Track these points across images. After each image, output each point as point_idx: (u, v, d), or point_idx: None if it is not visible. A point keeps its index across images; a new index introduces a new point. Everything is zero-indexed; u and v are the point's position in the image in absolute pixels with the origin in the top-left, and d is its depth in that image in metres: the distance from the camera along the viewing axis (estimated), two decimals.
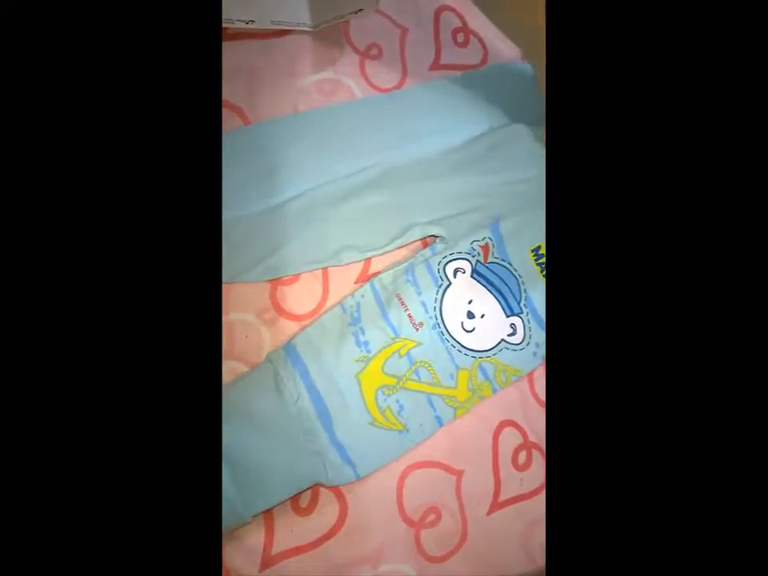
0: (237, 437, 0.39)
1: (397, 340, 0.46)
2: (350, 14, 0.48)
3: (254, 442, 0.39)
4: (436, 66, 0.52)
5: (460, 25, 0.55)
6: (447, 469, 0.45)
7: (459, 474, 0.46)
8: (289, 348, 0.42)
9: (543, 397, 0.50)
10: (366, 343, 0.45)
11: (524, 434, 0.49)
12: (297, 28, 0.47)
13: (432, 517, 0.44)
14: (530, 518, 0.48)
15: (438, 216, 0.48)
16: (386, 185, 0.48)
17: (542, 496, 0.48)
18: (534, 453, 0.49)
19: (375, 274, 0.46)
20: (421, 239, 0.49)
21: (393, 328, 0.46)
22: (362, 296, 0.46)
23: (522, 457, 0.48)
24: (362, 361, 0.44)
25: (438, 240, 0.48)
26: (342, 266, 0.46)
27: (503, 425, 0.48)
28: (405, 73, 0.51)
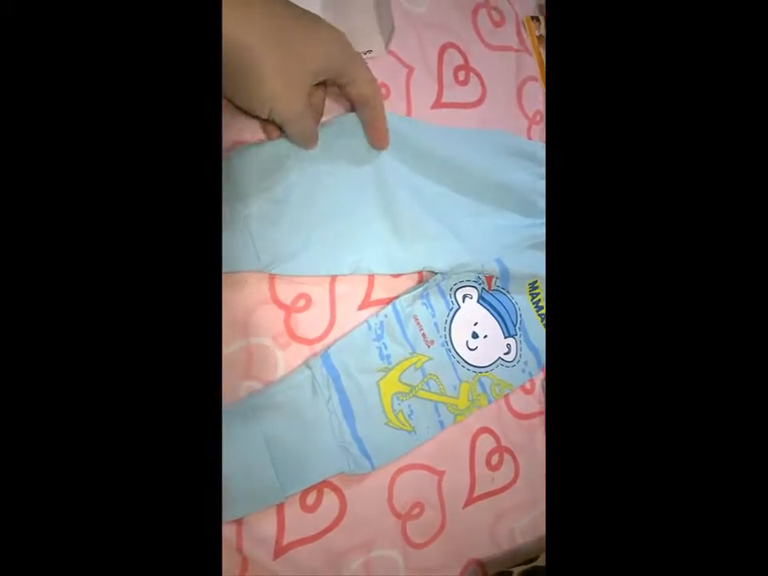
0: (276, 429, 0.46)
1: (414, 355, 0.52)
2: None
3: (291, 435, 0.46)
4: (438, 104, 0.56)
5: (462, 62, 0.58)
6: (431, 470, 0.53)
7: (441, 473, 0.53)
8: (325, 357, 0.48)
9: (517, 408, 0.58)
10: (389, 356, 0.51)
11: (497, 439, 0.57)
12: None
13: (417, 510, 0.52)
14: (498, 510, 0.56)
15: (449, 254, 0.53)
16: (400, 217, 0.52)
17: (510, 492, 0.57)
18: (506, 455, 0.57)
19: (376, 302, 0.52)
20: (418, 272, 0.54)
21: (410, 344, 0.52)
22: (385, 315, 0.51)
23: (495, 459, 0.56)
24: (383, 371, 0.51)
25: (437, 275, 0.54)
26: (348, 287, 0.51)
27: (480, 431, 0.56)
28: (409, 112, 0.54)
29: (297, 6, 0.41)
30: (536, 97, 0.62)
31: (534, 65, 0.62)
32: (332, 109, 0.51)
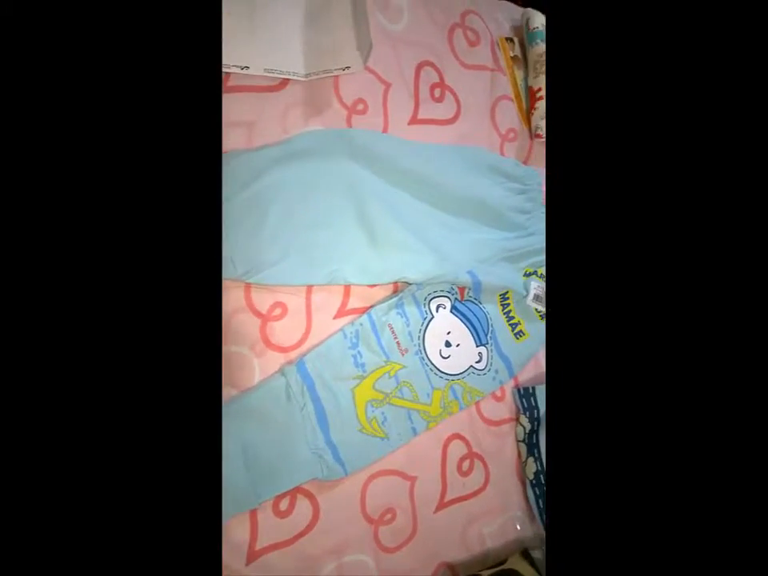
0: (251, 435, 0.46)
1: (388, 363, 0.54)
2: (337, 69, 0.52)
3: (266, 441, 0.47)
4: (414, 120, 0.58)
5: (438, 80, 0.60)
6: (403, 476, 0.54)
7: (413, 479, 0.54)
8: (300, 364, 0.49)
9: (488, 415, 0.60)
10: (363, 364, 0.52)
11: (468, 446, 0.58)
12: (288, 77, 0.51)
13: (389, 516, 0.53)
14: (469, 515, 0.57)
15: (423, 265, 0.55)
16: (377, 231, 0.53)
17: (480, 497, 0.58)
18: (476, 461, 0.58)
19: (352, 311, 0.53)
20: (393, 282, 0.56)
21: (385, 352, 0.54)
22: (361, 324, 0.53)
23: (466, 465, 0.58)
24: (357, 378, 0.52)
25: (412, 285, 0.55)
26: (324, 297, 0.52)
27: (452, 437, 0.57)
28: (386, 127, 0.56)
29: None
30: (509, 115, 0.64)
31: (507, 84, 0.65)
32: (309, 122, 0.52)
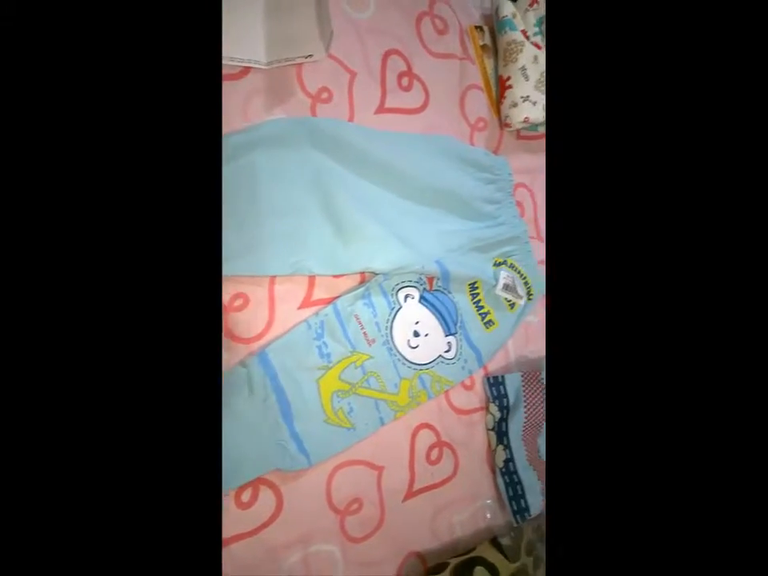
0: None
1: (354, 353, 0.53)
2: (299, 57, 0.52)
3: (227, 433, 0.46)
4: (381, 109, 0.58)
5: (405, 69, 0.60)
6: (370, 465, 0.54)
7: (380, 469, 0.54)
8: (262, 356, 0.49)
9: (457, 404, 0.60)
10: (329, 355, 0.52)
11: (438, 435, 0.58)
12: (249, 65, 0.51)
13: (355, 506, 0.53)
14: (438, 503, 0.58)
15: (389, 255, 0.54)
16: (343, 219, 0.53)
17: (450, 485, 0.58)
18: (445, 450, 0.59)
19: (317, 302, 0.53)
20: (360, 273, 0.55)
21: (351, 343, 0.53)
22: (326, 315, 0.52)
23: (435, 453, 0.58)
24: (322, 369, 0.52)
25: (378, 275, 0.55)
26: (288, 287, 0.52)
27: (420, 427, 0.57)
28: (352, 116, 0.55)
29: None
30: (478, 104, 0.64)
31: (476, 73, 0.64)
32: (272, 111, 0.51)
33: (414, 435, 0.57)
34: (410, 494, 0.56)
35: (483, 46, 0.65)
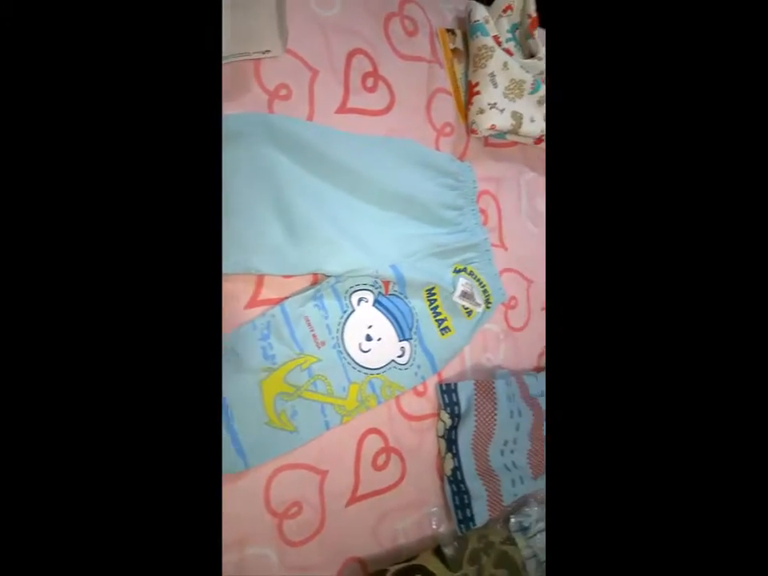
0: None
1: (301, 355, 0.53)
2: (255, 53, 0.51)
3: None
4: (343, 109, 0.57)
5: (371, 69, 0.59)
6: (313, 469, 0.53)
7: (324, 473, 0.54)
8: None
9: (408, 410, 0.59)
10: (273, 356, 0.51)
11: (385, 440, 0.58)
12: None
13: (295, 509, 0.52)
14: (383, 509, 0.57)
15: (342, 257, 0.53)
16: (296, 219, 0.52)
17: (395, 492, 0.58)
18: (393, 456, 0.58)
19: (265, 302, 0.52)
20: (312, 274, 0.55)
21: (298, 345, 0.53)
22: (273, 315, 0.52)
23: (382, 459, 0.57)
24: (266, 371, 0.51)
25: (330, 277, 0.54)
26: (235, 286, 0.51)
27: (368, 432, 0.57)
28: (311, 115, 0.55)
29: None
30: (446, 108, 0.63)
31: (445, 77, 0.64)
32: (227, 107, 0.50)
33: (361, 440, 0.56)
34: (354, 498, 0.56)
35: (454, 50, 0.65)
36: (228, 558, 0.49)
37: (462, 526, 0.59)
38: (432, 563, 0.56)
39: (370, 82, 0.59)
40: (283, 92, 0.53)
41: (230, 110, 0.51)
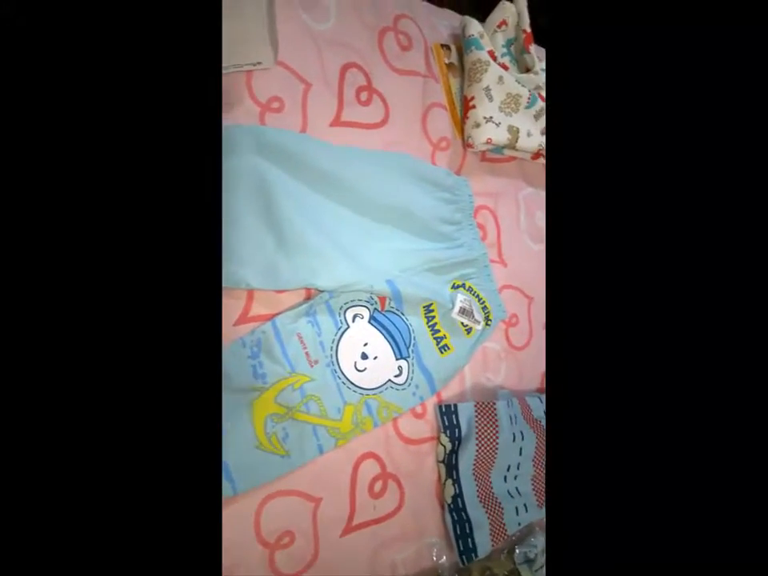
0: None
1: (293, 375, 0.50)
2: (247, 65, 0.50)
3: None
4: (337, 122, 0.56)
5: (365, 83, 0.58)
6: (306, 497, 0.50)
7: (317, 501, 0.51)
8: None
9: (406, 433, 0.57)
10: (264, 375, 0.49)
11: (382, 466, 0.55)
12: None
13: (286, 539, 0.49)
14: (380, 539, 0.54)
15: (335, 272, 0.52)
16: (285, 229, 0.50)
17: (394, 520, 0.55)
18: (390, 482, 0.55)
19: (255, 318, 0.50)
20: (305, 289, 0.53)
21: (290, 363, 0.50)
22: (263, 332, 0.49)
23: (378, 486, 0.54)
24: (256, 390, 0.49)
25: (323, 292, 0.52)
26: (223, 301, 0.49)
27: (364, 456, 0.54)
28: (304, 128, 0.54)
29: None
30: (441, 123, 0.63)
31: (440, 91, 0.63)
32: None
33: (356, 465, 0.53)
34: (349, 528, 0.52)
35: (449, 65, 0.64)
36: None
37: (464, 557, 0.55)
38: None
39: (364, 95, 0.58)
40: (276, 105, 0.52)
41: (222, 122, 0.50)
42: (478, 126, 0.60)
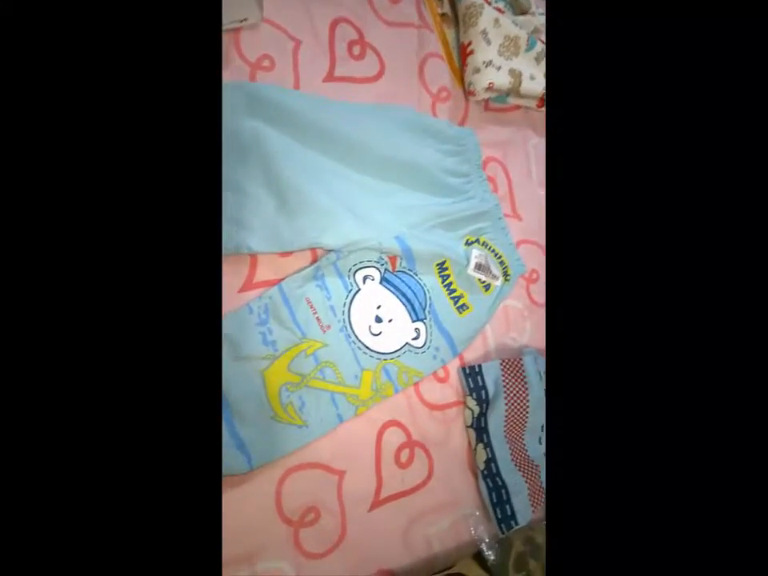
0: None
1: (304, 340, 0.47)
2: (233, 22, 0.48)
3: None
4: (330, 77, 0.53)
5: (357, 37, 0.56)
6: (328, 469, 0.47)
7: (341, 473, 0.48)
8: None
9: (429, 398, 0.53)
10: (274, 342, 0.46)
11: (408, 434, 0.52)
12: None
13: (311, 516, 0.46)
14: (411, 513, 0.50)
15: (338, 227, 0.49)
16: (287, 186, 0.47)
17: (423, 492, 0.51)
18: (417, 450, 0.52)
19: (261, 284, 0.48)
20: (310, 249, 0.50)
21: (300, 329, 0.47)
22: (270, 297, 0.47)
23: (405, 455, 0.51)
24: (267, 359, 0.46)
25: (330, 252, 0.50)
26: (226, 268, 0.46)
27: (387, 425, 0.51)
28: (297, 85, 0.51)
29: None
30: (439, 73, 0.60)
31: (436, 41, 0.60)
32: None
33: (380, 434, 0.50)
34: (377, 502, 0.49)
35: (443, 15, 0.62)
36: (238, 574, 0.42)
37: (503, 525, 0.51)
38: (473, 571, 0.49)
39: (356, 49, 0.55)
40: (266, 63, 0.50)
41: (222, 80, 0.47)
42: (478, 71, 0.57)
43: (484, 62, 0.57)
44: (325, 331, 0.49)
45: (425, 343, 0.53)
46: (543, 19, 0.61)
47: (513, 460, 0.53)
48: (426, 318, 0.54)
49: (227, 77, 0.48)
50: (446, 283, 0.55)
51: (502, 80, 0.58)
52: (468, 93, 0.59)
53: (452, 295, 0.55)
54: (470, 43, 0.58)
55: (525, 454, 0.54)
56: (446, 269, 0.55)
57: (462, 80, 0.60)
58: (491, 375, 0.54)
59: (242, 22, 0.48)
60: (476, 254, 0.56)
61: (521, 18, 0.60)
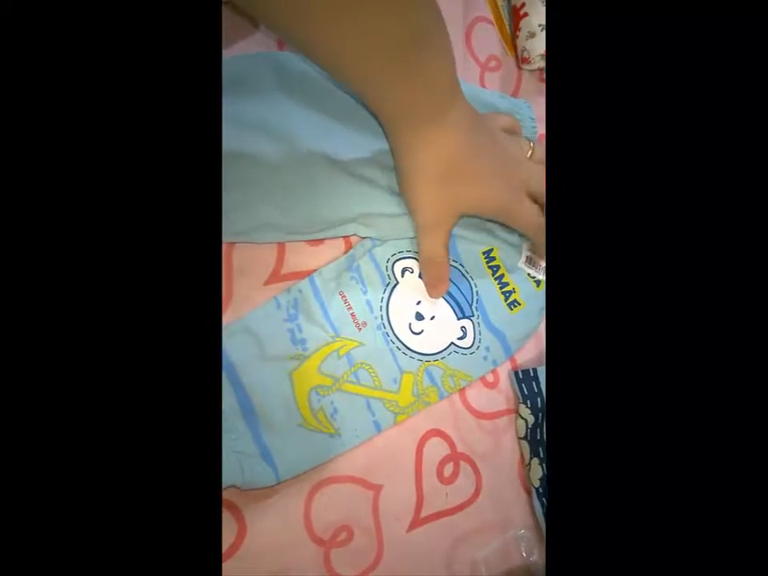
0: None
1: (337, 339, 0.43)
2: None
3: None
4: None
5: None
6: (363, 483, 0.42)
7: (377, 488, 0.43)
8: None
9: (477, 406, 0.48)
10: (304, 341, 0.42)
11: (451, 444, 0.46)
12: None
13: (344, 535, 0.41)
14: (455, 534, 0.45)
15: (376, 211, 0.44)
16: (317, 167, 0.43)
17: (470, 511, 0.46)
18: (462, 464, 0.46)
19: (290, 276, 0.43)
20: (344, 237, 0.45)
21: (333, 327, 0.43)
22: (300, 291, 0.42)
23: (449, 469, 0.46)
24: (296, 359, 0.41)
25: (365, 240, 0.45)
26: (250, 258, 0.42)
27: (429, 434, 0.45)
28: None
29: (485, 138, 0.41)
30: (489, 40, 0.53)
31: (484, 4, 0.54)
32: (234, 47, 0.43)
33: (420, 445, 0.45)
34: (418, 521, 0.44)
35: None
36: None
37: None
38: None
39: None
40: None
41: (233, 52, 0.43)
42: (533, 35, 0.51)
43: (540, 26, 0.51)
44: (360, 329, 0.44)
45: (473, 342, 0.47)
46: None
47: None
48: (473, 315, 0.48)
49: (251, 47, 0.44)
50: (496, 276, 0.49)
51: None
52: (521, 61, 0.53)
53: (503, 290, 0.49)
54: (523, 5, 0.52)
55: None
56: (494, 258, 0.49)
57: (513, 46, 0.54)
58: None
59: None
60: (528, 245, 0.50)
61: None
